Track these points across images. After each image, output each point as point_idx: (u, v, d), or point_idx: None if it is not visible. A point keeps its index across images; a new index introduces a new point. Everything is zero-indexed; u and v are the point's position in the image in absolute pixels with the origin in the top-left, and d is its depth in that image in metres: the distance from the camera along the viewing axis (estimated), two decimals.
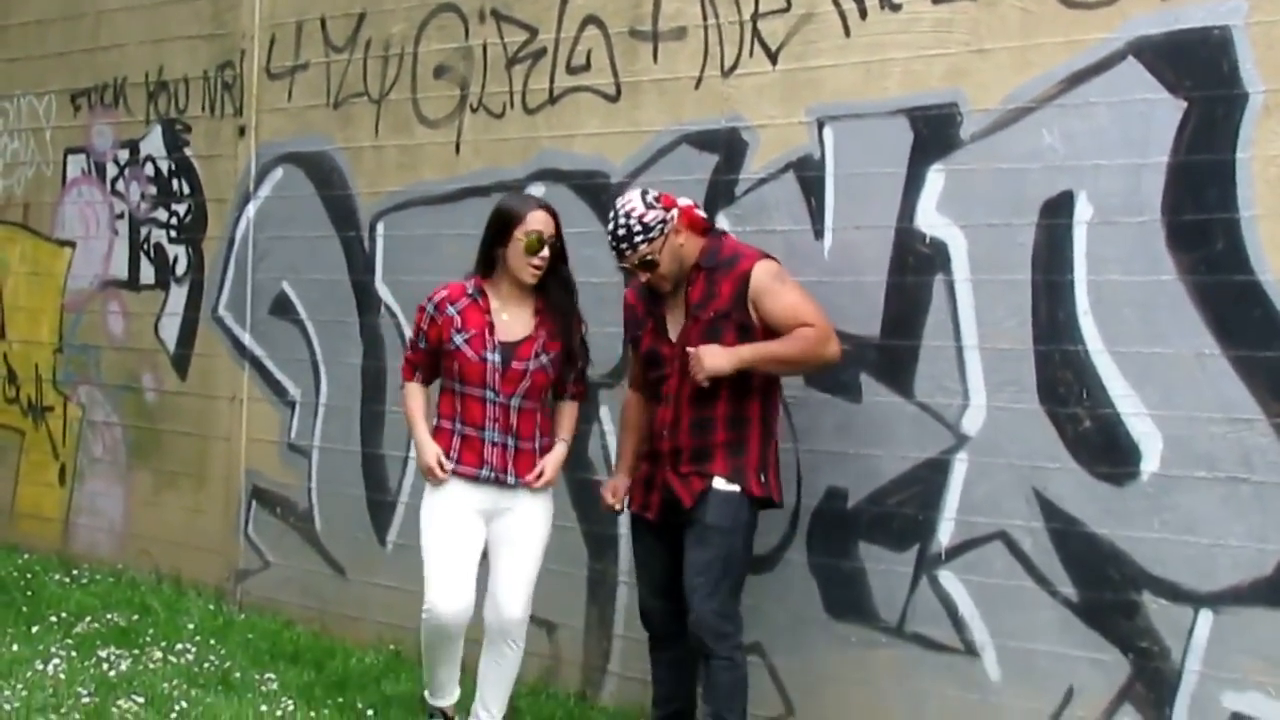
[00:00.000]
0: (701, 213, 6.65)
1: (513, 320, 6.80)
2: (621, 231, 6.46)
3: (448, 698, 7.05)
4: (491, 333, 6.76)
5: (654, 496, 6.57)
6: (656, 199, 6.48)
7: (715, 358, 6.29)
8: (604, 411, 7.70)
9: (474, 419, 6.77)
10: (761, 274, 6.38)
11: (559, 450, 6.87)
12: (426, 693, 7.09)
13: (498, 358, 6.72)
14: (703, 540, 6.38)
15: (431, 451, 6.78)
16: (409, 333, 7.26)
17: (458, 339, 6.78)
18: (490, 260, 6.82)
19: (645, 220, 6.42)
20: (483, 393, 6.76)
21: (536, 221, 6.71)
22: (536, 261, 6.69)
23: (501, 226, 6.77)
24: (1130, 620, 6.11)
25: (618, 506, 6.78)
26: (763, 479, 6.47)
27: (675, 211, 6.48)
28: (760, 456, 6.48)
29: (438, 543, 6.80)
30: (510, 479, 6.74)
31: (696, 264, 6.46)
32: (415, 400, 6.95)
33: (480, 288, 6.83)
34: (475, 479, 6.77)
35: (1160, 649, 6.04)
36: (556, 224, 6.75)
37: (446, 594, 6.72)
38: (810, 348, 6.34)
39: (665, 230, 6.44)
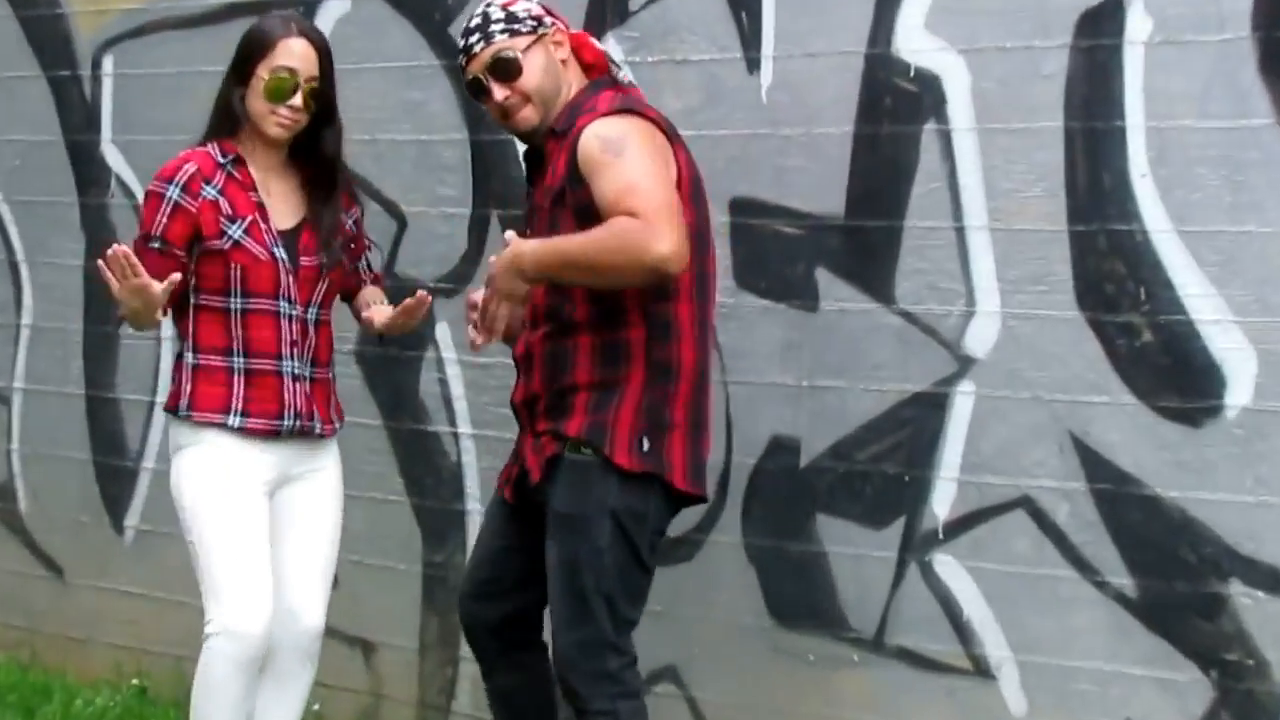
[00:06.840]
0: (600, 47, 5.24)
1: (280, 200, 5.49)
2: (476, 20, 5.09)
3: None
4: (266, 219, 5.42)
5: (513, 468, 5.18)
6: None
7: (505, 276, 4.90)
8: (440, 331, 6.35)
9: (265, 345, 5.36)
10: (590, 138, 4.89)
11: (390, 309, 5.48)
12: None
13: (284, 253, 5.39)
14: (554, 538, 4.91)
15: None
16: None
17: (234, 230, 5.36)
18: (231, 112, 5.49)
19: (511, 8, 5.09)
20: (275, 305, 5.39)
21: (287, 54, 5.38)
22: (284, 111, 5.37)
23: (243, 60, 5.48)
24: None
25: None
26: (644, 444, 4.83)
27: (554, 22, 5.15)
28: (644, 409, 4.88)
29: (223, 534, 5.40)
30: (317, 426, 5.46)
31: (551, 128, 5.07)
32: None
33: (236, 154, 5.49)
34: (275, 434, 5.38)
35: None
36: (323, 59, 5.45)
37: (247, 609, 5.35)
38: (621, 243, 4.71)
39: (538, 31, 5.07)
